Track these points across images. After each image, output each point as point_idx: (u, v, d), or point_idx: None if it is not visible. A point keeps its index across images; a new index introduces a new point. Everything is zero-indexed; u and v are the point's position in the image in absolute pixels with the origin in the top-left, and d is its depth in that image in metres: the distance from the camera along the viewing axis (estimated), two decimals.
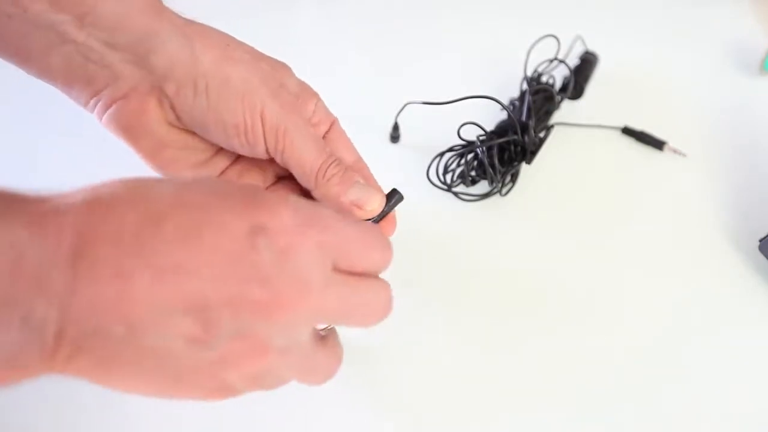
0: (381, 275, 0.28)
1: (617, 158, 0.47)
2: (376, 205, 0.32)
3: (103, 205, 0.22)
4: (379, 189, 0.33)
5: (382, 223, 0.33)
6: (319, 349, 0.26)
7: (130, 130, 0.31)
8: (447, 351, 0.37)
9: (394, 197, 0.33)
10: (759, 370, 0.38)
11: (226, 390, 0.24)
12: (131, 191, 0.23)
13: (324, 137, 0.34)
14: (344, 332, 0.30)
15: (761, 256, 0.41)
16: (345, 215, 0.27)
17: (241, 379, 0.24)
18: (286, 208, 0.24)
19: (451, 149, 0.41)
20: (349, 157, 0.34)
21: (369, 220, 0.32)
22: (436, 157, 0.42)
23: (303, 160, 0.31)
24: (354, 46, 0.52)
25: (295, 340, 0.25)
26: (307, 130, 0.32)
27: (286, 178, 0.35)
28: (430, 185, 0.43)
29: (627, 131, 0.48)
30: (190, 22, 0.31)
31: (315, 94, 0.34)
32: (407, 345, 0.37)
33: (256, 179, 0.35)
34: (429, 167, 0.42)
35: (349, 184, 0.32)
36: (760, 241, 0.41)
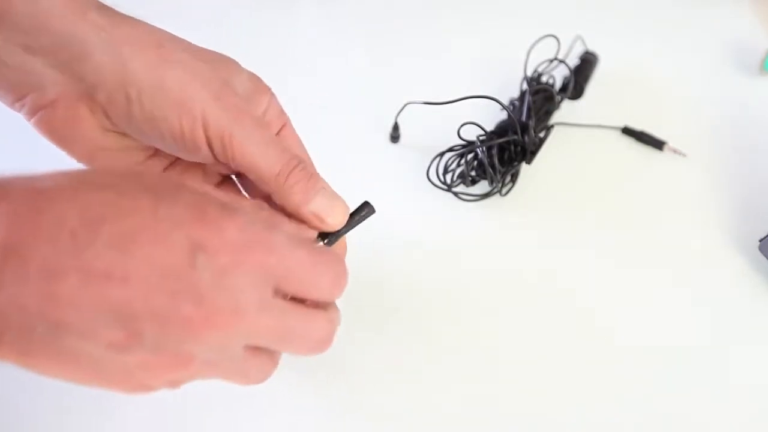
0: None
1: (617, 158, 0.47)
2: (339, 218, 0.30)
3: (43, 198, 0.21)
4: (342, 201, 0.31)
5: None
6: (251, 357, 0.26)
7: (60, 136, 0.30)
8: (446, 352, 0.37)
9: (364, 210, 0.31)
10: (759, 371, 0.38)
11: (145, 389, 0.24)
12: (74, 187, 0.22)
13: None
14: None
15: (761, 256, 0.41)
16: (298, 239, 0.25)
17: (160, 382, 0.24)
18: (232, 225, 0.23)
19: (451, 149, 0.41)
20: None
21: (337, 231, 0.30)
22: (436, 157, 0.42)
23: (257, 166, 0.29)
24: (354, 46, 0.52)
25: (224, 355, 0.24)
26: (259, 133, 0.29)
27: (240, 175, 0.32)
28: (430, 185, 0.43)
29: (627, 131, 0.48)
30: (118, 22, 0.28)
31: (267, 90, 0.31)
32: (404, 346, 0.37)
33: (197, 179, 0.33)
34: (429, 167, 0.42)
35: (312, 193, 0.29)
36: (760, 241, 0.41)
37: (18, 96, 0.29)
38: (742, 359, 0.38)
